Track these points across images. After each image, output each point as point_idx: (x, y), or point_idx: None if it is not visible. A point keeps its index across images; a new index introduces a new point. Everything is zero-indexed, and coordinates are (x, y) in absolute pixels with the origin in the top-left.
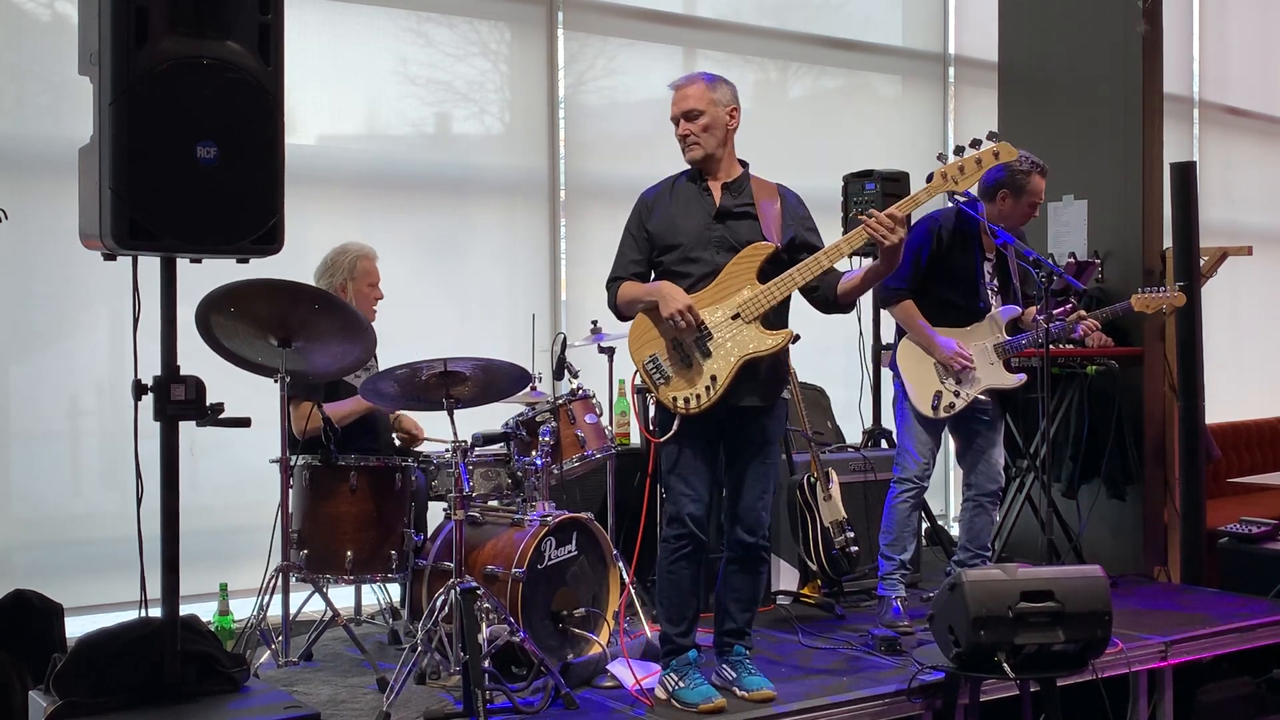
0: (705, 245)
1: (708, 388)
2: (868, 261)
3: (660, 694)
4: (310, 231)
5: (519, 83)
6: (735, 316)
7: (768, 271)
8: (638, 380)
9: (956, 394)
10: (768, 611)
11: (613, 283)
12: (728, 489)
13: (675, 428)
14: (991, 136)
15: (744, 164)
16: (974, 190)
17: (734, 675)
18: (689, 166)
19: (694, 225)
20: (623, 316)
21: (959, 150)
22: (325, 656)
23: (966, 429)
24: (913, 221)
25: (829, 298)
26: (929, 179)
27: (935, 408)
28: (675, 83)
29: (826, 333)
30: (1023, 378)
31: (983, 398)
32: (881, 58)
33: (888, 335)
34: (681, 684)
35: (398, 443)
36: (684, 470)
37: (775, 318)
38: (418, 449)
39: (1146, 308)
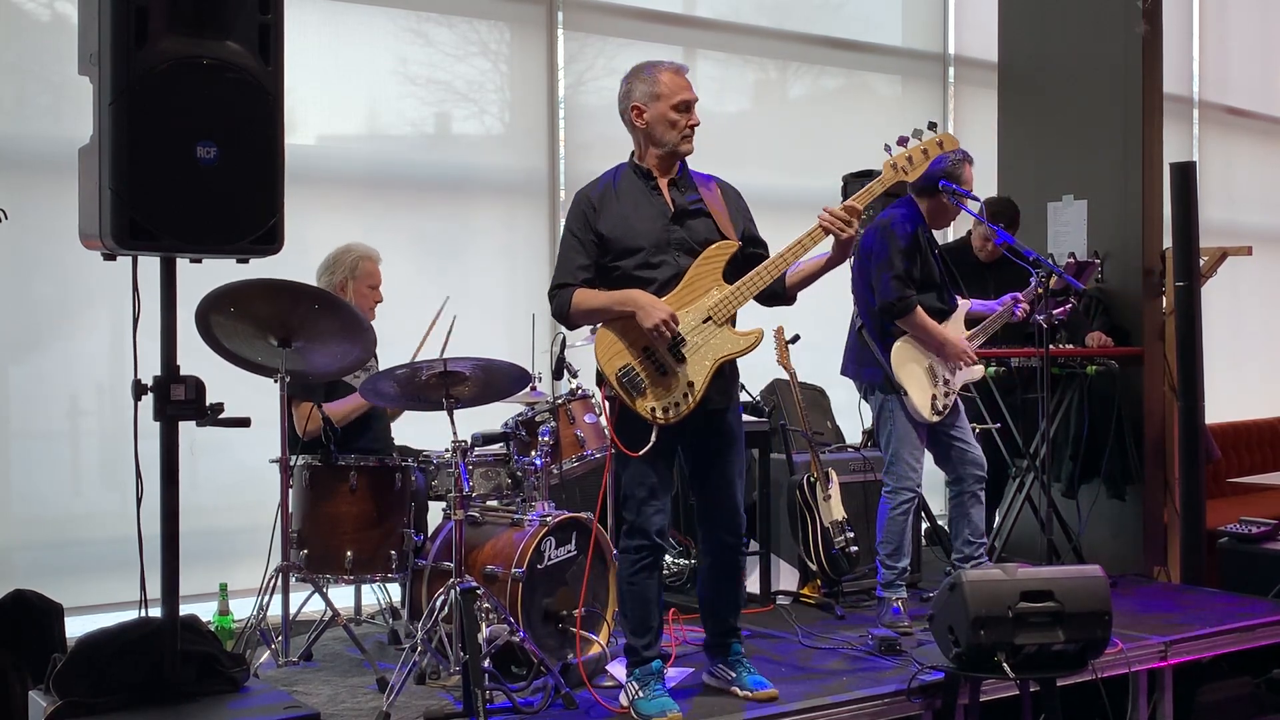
0: (665, 248)
1: (686, 395)
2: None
3: (622, 701)
4: (310, 231)
5: (519, 83)
6: (707, 320)
7: (727, 270)
8: (608, 392)
9: (946, 394)
10: (768, 611)
11: (561, 289)
12: (702, 492)
13: (653, 440)
14: (931, 126)
15: (682, 160)
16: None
17: (734, 675)
18: (629, 158)
19: (652, 227)
20: (573, 325)
21: (902, 141)
22: (325, 656)
23: (939, 427)
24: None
25: (777, 291)
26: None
27: (937, 410)
28: (681, 67)
29: (827, 333)
30: (980, 368)
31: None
32: (881, 58)
33: None
34: (641, 694)
35: None
36: (648, 479)
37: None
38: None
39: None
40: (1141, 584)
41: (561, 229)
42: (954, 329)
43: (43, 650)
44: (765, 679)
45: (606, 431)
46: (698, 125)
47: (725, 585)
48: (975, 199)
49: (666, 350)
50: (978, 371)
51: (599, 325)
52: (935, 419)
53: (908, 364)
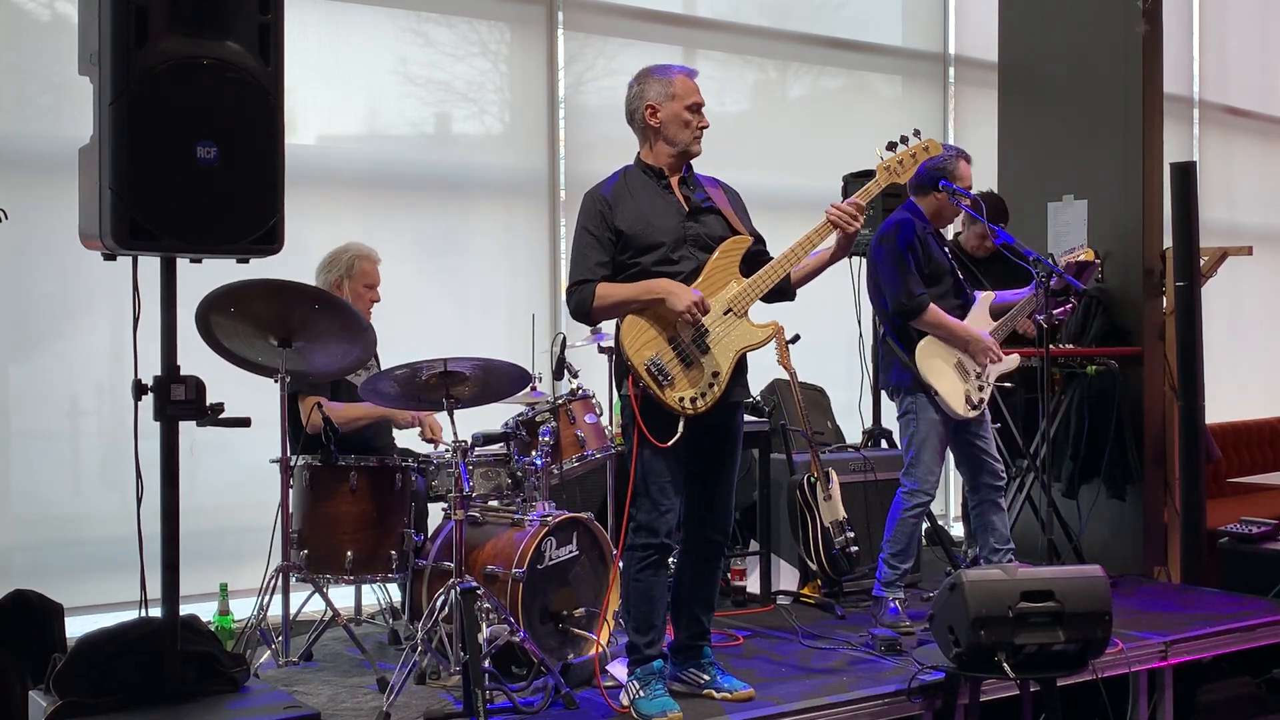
0: (683, 244)
1: (711, 385)
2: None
3: (623, 700)
4: (310, 231)
5: (519, 83)
6: (727, 312)
7: (741, 265)
8: (636, 385)
9: (980, 389)
10: (768, 611)
11: (582, 285)
12: (698, 488)
13: (680, 431)
14: (916, 133)
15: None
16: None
17: (709, 678)
18: (635, 160)
19: (669, 224)
20: (595, 320)
21: (891, 146)
22: (325, 656)
23: (961, 430)
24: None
25: (783, 286)
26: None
27: (973, 404)
28: (692, 71)
29: (827, 333)
30: (1016, 357)
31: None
32: (881, 58)
33: None
34: (642, 693)
35: (421, 438)
36: (662, 479)
37: None
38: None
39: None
40: (1141, 584)
41: (562, 229)
42: (977, 323)
43: (43, 650)
44: (739, 680)
45: (636, 423)
46: (707, 127)
47: (706, 584)
48: (972, 198)
49: (691, 341)
50: (1012, 361)
51: (623, 319)
52: (973, 413)
53: (934, 361)
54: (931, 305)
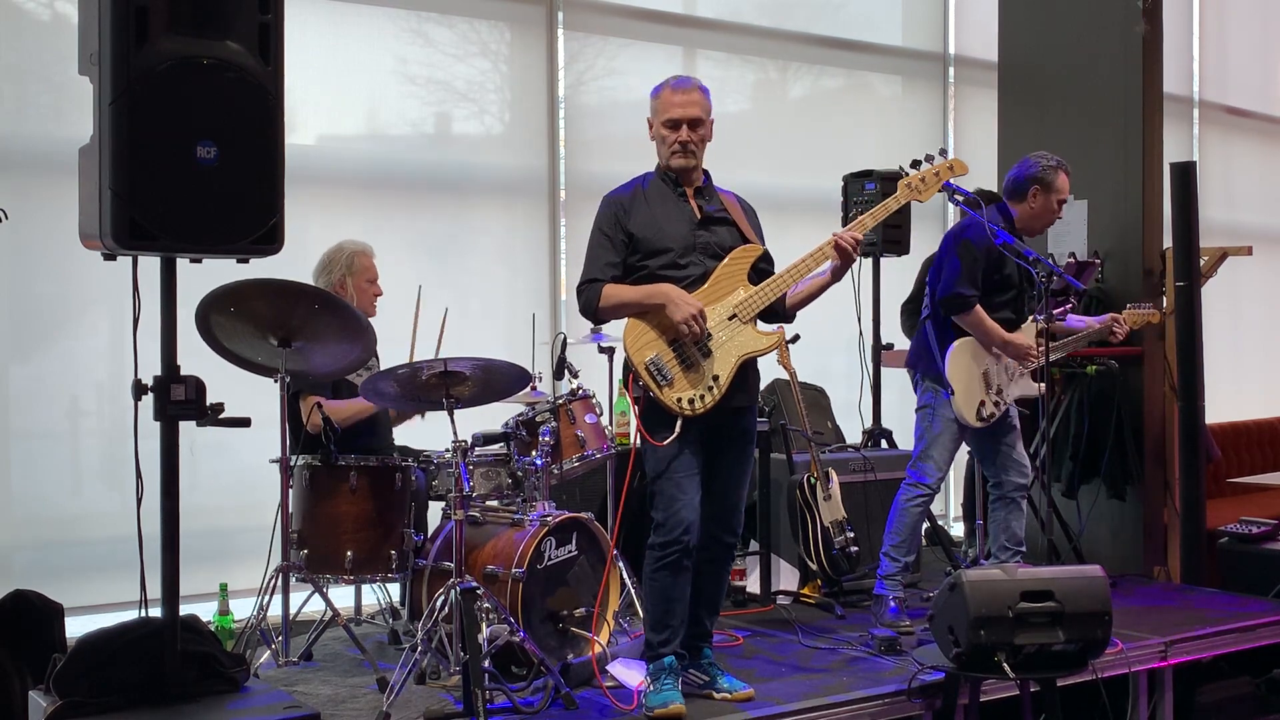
0: (692, 251)
1: (710, 388)
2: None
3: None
4: (310, 231)
5: (519, 83)
6: (732, 317)
7: (750, 274)
8: (638, 385)
9: (996, 404)
10: (768, 611)
11: (591, 284)
12: (707, 488)
13: (678, 430)
14: (943, 152)
15: (706, 171)
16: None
17: (709, 678)
18: (663, 169)
19: (680, 230)
20: (601, 319)
21: (915, 164)
22: (325, 656)
23: (990, 432)
24: (948, 226)
25: (777, 308)
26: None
27: (982, 417)
28: (681, 84)
29: (827, 333)
30: (1042, 386)
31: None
32: (881, 58)
33: (888, 335)
34: (651, 688)
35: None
36: (679, 475)
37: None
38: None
39: (1135, 324)
40: (1141, 584)
41: (562, 229)
42: (1025, 337)
43: (43, 650)
44: (739, 680)
45: (633, 424)
46: (688, 141)
47: (711, 584)
48: (975, 200)
49: (693, 344)
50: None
51: (628, 318)
52: (979, 425)
53: (963, 365)
54: (977, 308)
